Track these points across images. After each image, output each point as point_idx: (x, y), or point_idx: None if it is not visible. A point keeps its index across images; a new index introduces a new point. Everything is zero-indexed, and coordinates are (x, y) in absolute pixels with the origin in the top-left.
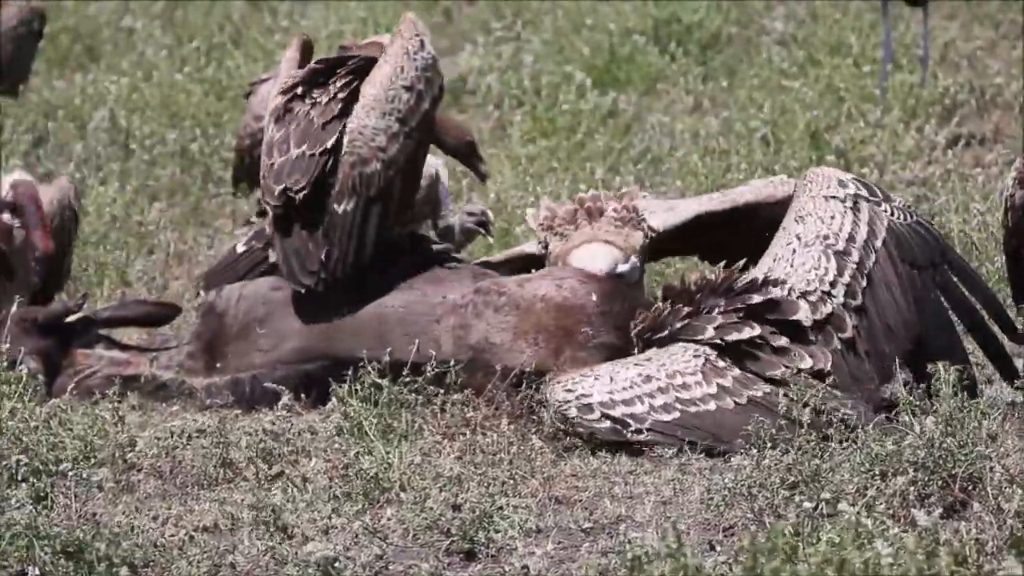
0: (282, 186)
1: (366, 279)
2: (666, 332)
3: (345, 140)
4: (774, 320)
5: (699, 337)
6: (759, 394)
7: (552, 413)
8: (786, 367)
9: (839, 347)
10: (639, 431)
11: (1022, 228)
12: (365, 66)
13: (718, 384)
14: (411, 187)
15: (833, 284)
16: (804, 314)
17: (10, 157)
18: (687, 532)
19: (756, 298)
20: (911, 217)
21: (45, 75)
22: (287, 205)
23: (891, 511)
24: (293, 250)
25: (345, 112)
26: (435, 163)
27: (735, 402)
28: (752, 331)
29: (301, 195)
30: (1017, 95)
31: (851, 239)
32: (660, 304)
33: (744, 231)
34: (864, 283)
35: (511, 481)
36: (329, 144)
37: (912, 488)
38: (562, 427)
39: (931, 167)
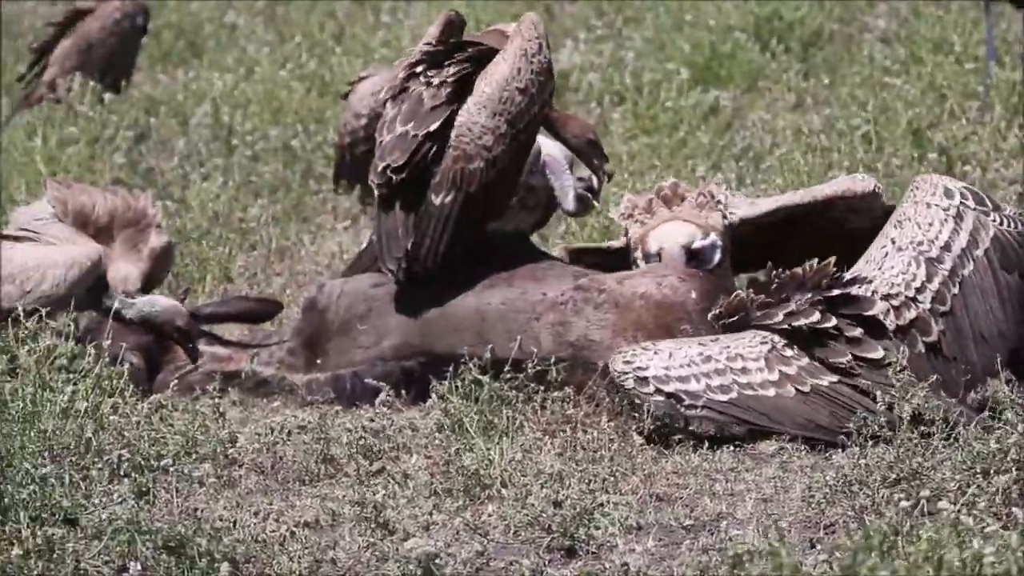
0: (384, 164)
1: (463, 273)
2: (739, 318)
3: (452, 133)
4: (851, 315)
5: (769, 322)
6: (824, 383)
7: (610, 384)
8: (854, 356)
9: (922, 350)
10: (692, 407)
11: None
12: (482, 56)
13: (780, 371)
14: (511, 186)
15: (920, 290)
16: (879, 310)
17: (114, 152)
18: (787, 530)
19: (834, 291)
20: (1021, 226)
21: (148, 71)
22: (388, 185)
23: (993, 509)
24: (386, 232)
25: (454, 98)
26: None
27: (797, 389)
28: (823, 318)
29: (398, 175)
30: None
31: (947, 247)
32: (742, 292)
33: (821, 225)
34: (955, 290)
35: (612, 478)
36: (433, 128)
37: (1015, 486)
38: (619, 406)
39: None
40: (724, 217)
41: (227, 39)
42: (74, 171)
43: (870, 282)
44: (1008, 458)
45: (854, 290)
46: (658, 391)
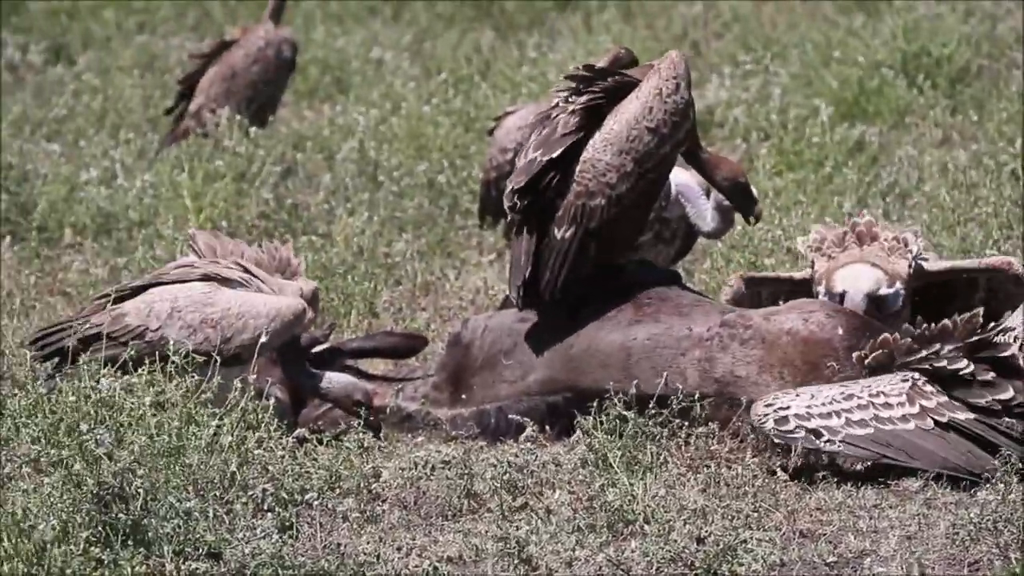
0: (510, 186)
1: (609, 308)
2: (884, 359)
3: (576, 168)
4: (989, 358)
5: (910, 359)
6: (961, 418)
7: (753, 428)
8: (993, 398)
9: None
10: (831, 442)
11: None
12: (622, 87)
13: (921, 405)
14: (638, 224)
15: None
16: (1014, 350)
17: (260, 187)
18: (932, 567)
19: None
20: None
21: (294, 106)
22: (514, 210)
23: None
24: (513, 259)
25: (583, 127)
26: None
27: (935, 421)
28: (961, 364)
29: (520, 199)
30: None
31: None
32: (889, 335)
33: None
34: None
35: (755, 514)
36: (555, 154)
37: None
38: (763, 442)
39: None
40: (910, 266)
41: (373, 74)
42: (220, 206)
43: (1014, 330)
44: None
45: (998, 338)
46: (799, 427)
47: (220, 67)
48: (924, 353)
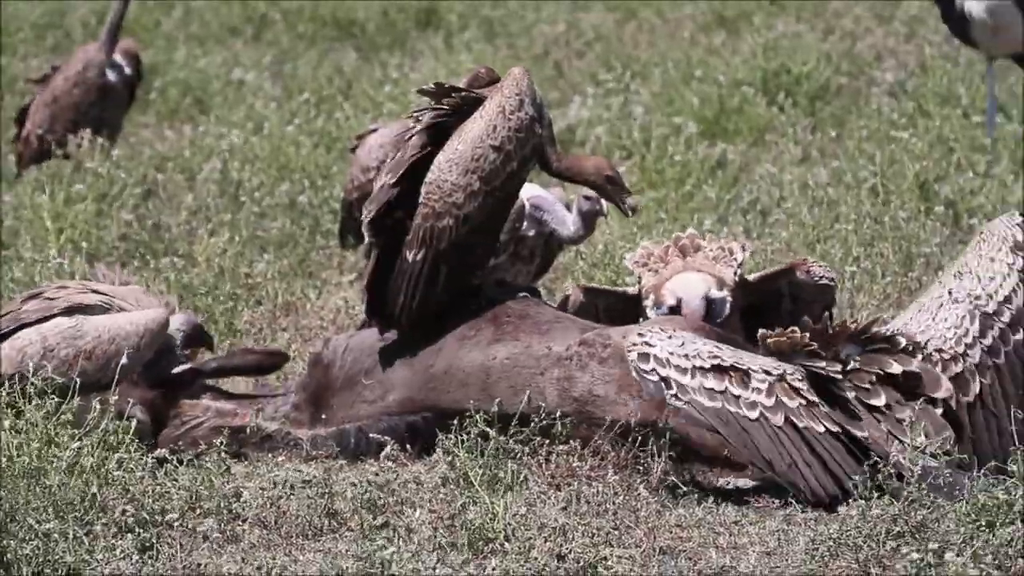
0: (366, 213)
1: (467, 328)
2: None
3: (423, 190)
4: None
5: (808, 364)
6: (819, 430)
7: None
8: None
9: (967, 403)
10: (676, 398)
11: None
12: (468, 107)
13: (780, 400)
14: (489, 243)
15: (971, 345)
16: (945, 393)
17: (121, 208)
18: None
19: (896, 367)
20: None
21: (156, 127)
22: (372, 235)
23: (997, 562)
24: (367, 285)
25: (428, 147)
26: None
27: (788, 421)
28: (880, 399)
29: (372, 226)
30: None
31: (1007, 300)
32: (796, 333)
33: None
34: (1019, 336)
35: (616, 531)
36: (399, 175)
37: (1021, 539)
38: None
39: None
40: (735, 273)
41: (234, 95)
42: (81, 228)
43: (924, 346)
44: (1014, 510)
45: (915, 365)
46: (655, 371)
47: (44, 93)
48: (823, 364)
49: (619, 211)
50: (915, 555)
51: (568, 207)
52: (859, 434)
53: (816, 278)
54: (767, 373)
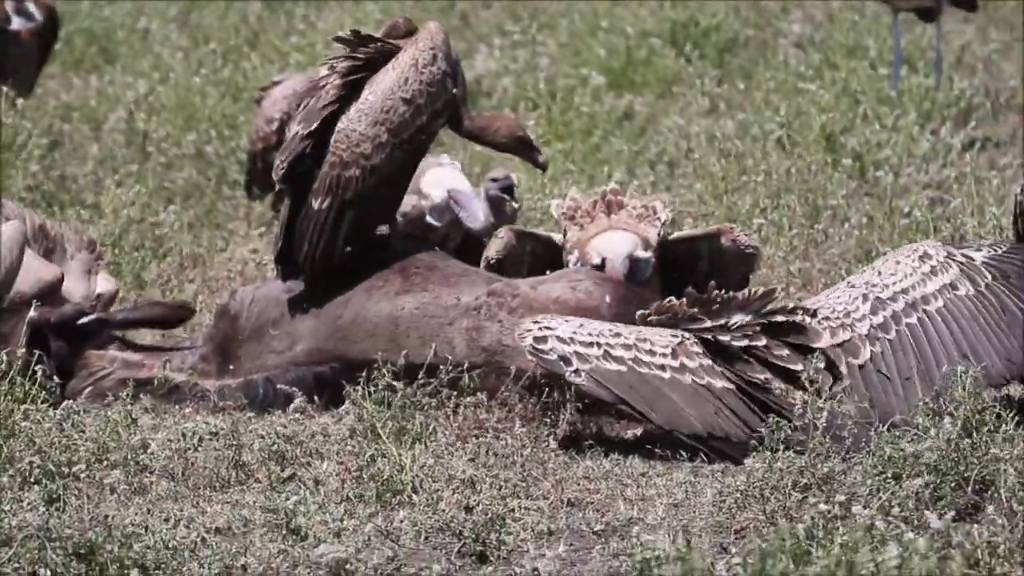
0: (278, 161)
1: (376, 279)
2: (667, 320)
3: (332, 139)
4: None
5: (693, 327)
6: (718, 386)
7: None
8: (774, 368)
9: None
10: (577, 372)
11: None
12: (383, 57)
13: (683, 363)
14: (396, 195)
15: (860, 320)
16: (825, 343)
17: (27, 159)
18: (698, 535)
19: (780, 317)
20: (1002, 249)
21: (61, 77)
22: (282, 181)
23: (905, 514)
24: (280, 231)
25: (342, 97)
26: (446, 181)
27: (694, 381)
28: (753, 337)
29: (284, 175)
30: None
31: (905, 291)
32: (675, 301)
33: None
34: (912, 319)
35: (523, 483)
36: (313, 128)
37: (927, 491)
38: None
39: (946, 170)
40: (659, 233)
41: (140, 45)
42: None
43: (813, 311)
44: (920, 462)
45: (800, 318)
46: (554, 350)
47: None
48: (708, 324)
49: (533, 166)
50: (823, 506)
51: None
52: (758, 378)
53: (741, 246)
54: (669, 338)
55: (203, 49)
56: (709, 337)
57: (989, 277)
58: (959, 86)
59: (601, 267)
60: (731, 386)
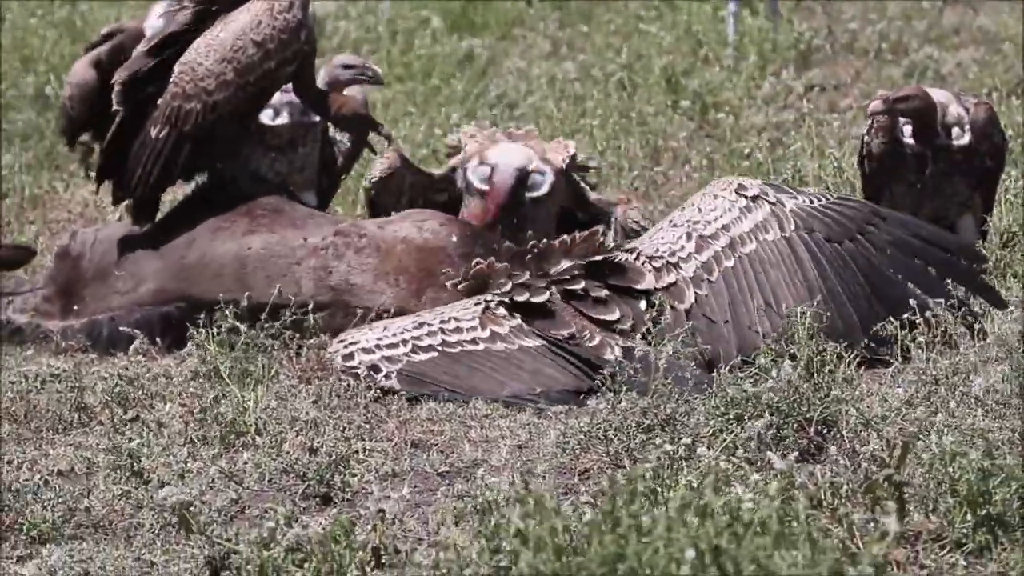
0: (116, 80)
1: (221, 219)
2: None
3: (175, 70)
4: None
5: (497, 292)
6: (531, 345)
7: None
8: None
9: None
10: (388, 376)
11: (878, 176)
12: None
13: (492, 330)
14: (238, 134)
15: (686, 259)
16: (648, 284)
17: None
18: (543, 476)
19: (598, 257)
20: (822, 200)
21: None
22: (119, 103)
23: (748, 455)
24: (103, 149)
25: (193, 27)
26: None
27: (506, 348)
28: (572, 280)
29: (118, 95)
30: (872, 41)
31: (726, 228)
32: (483, 263)
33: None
34: (730, 263)
35: (367, 425)
36: (153, 44)
37: (769, 432)
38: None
39: (787, 112)
40: (564, 160)
41: None
42: None
43: (636, 250)
44: (762, 403)
45: (621, 257)
46: (362, 363)
47: None
48: (509, 285)
49: (383, 137)
50: (667, 447)
51: None
52: (562, 334)
53: (631, 222)
54: (473, 308)
55: None
56: (518, 298)
57: (792, 227)
58: (799, 28)
59: (491, 174)
60: (545, 343)
